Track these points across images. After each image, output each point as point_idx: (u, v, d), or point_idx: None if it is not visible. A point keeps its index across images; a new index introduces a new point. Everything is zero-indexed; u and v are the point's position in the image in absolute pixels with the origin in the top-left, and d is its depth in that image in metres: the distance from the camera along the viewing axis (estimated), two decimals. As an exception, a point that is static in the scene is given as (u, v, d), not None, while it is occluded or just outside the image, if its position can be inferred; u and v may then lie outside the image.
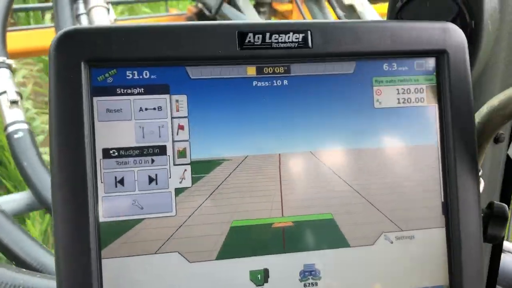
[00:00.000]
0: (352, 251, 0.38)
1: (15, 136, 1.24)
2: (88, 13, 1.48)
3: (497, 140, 0.57)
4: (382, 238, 0.38)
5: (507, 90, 0.42)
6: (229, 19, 1.96)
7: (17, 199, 1.24)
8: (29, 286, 0.84)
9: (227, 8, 2.01)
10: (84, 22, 1.47)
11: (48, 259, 0.99)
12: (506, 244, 1.18)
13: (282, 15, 2.24)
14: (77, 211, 0.34)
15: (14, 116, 1.26)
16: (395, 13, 0.48)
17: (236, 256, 0.36)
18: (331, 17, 1.87)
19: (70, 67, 0.34)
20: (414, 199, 0.39)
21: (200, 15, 2.13)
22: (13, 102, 1.29)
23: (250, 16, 1.97)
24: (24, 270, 0.87)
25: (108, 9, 1.51)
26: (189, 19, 2.15)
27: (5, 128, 1.24)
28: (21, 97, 1.31)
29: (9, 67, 1.32)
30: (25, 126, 1.26)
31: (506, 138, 0.57)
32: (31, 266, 0.99)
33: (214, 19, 2.00)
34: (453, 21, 0.46)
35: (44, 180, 1.18)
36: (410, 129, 0.39)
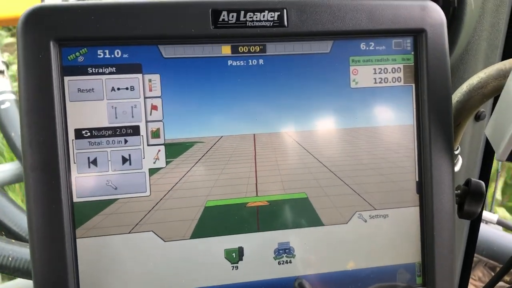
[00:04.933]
0: (326, 229, 0.38)
1: (2, 106, 1.23)
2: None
3: (478, 118, 0.57)
4: (356, 217, 0.39)
5: (487, 68, 0.42)
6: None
7: (5, 169, 1.24)
8: (18, 256, 0.85)
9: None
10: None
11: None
12: (486, 215, 1.20)
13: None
14: (50, 192, 0.34)
15: (1, 86, 1.24)
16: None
17: (210, 235, 0.37)
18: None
19: (39, 46, 0.33)
20: (389, 179, 0.39)
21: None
22: (-1, 72, 1.27)
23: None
24: (13, 240, 0.88)
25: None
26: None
27: (-8, 98, 1.23)
28: (7, 67, 1.29)
29: (-7, 36, 1.30)
30: (12, 96, 1.24)
31: (487, 115, 0.57)
32: (21, 237, 1.00)
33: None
34: (437, -2, 0.45)
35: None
36: (387, 109, 0.39)
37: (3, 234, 1.01)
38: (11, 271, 0.84)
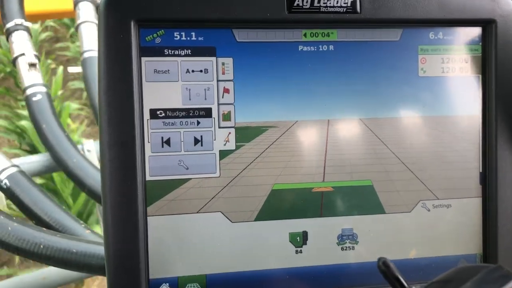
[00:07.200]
0: (389, 217, 0.38)
1: (34, 98, 1.24)
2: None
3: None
4: (419, 206, 0.39)
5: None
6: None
7: (36, 160, 1.25)
8: (49, 244, 0.86)
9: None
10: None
11: (67, 221, 1.01)
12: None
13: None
14: (125, 169, 0.34)
15: (33, 79, 1.26)
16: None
17: (276, 218, 0.37)
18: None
19: (120, 26, 0.34)
20: (453, 169, 0.39)
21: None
22: (32, 65, 1.29)
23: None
24: (44, 229, 0.89)
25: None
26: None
27: (24, 91, 1.25)
28: (39, 60, 1.31)
29: (27, 29, 1.32)
30: (43, 89, 1.26)
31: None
32: (51, 226, 1.01)
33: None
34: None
35: (62, 142, 1.19)
36: (453, 98, 0.39)
37: (34, 223, 1.03)
38: (42, 258, 0.85)
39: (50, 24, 3.08)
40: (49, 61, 2.69)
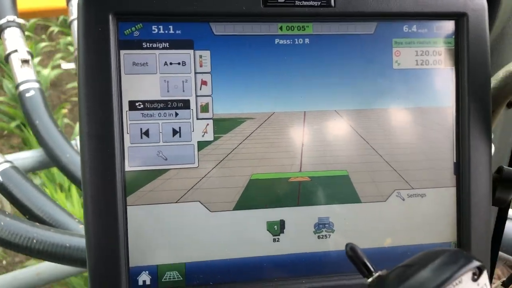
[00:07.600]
0: (364, 206, 0.39)
1: (27, 94, 1.25)
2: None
3: (510, 105, 0.58)
4: (394, 195, 0.40)
5: (524, 56, 0.43)
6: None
7: (29, 156, 1.26)
8: (42, 239, 0.86)
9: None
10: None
11: (61, 215, 1.02)
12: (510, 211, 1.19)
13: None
14: (104, 160, 0.35)
15: (26, 75, 1.26)
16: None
17: (254, 207, 0.38)
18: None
19: (99, 20, 0.35)
20: (428, 159, 0.40)
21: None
22: (24, 61, 1.29)
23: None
24: (37, 224, 0.90)
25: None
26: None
27: (17, 87, 1.25)
28: (32, 56, 1.31)
29: (19, 26, 1.32)
30: (36, 85, 1.27)
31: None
32: (44, 221, 1.02)
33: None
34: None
35: (55, 138, 1.19)
36: (427, 90, 0.40)
37: (27, 218, 1.03)
38: (35, 253, 0.85)
39: (58, 62, 2.91)
40: (65, 119, 2.40)
